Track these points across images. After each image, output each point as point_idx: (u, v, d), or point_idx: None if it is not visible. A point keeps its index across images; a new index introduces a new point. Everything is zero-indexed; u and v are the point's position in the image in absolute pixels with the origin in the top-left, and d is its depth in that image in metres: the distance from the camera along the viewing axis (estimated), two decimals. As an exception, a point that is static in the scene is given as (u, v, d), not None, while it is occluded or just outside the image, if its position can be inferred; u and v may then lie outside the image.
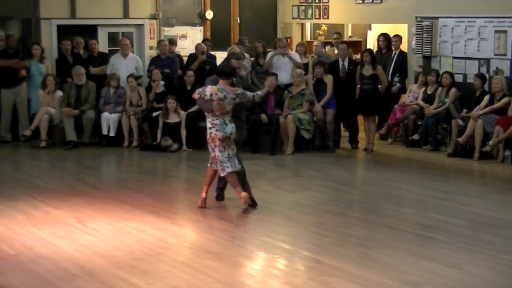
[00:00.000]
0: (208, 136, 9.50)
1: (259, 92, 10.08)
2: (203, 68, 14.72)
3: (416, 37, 14.84)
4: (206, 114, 9.58)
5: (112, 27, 16.24)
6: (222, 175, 9.56)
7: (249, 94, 9.74)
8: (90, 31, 15.91)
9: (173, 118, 13.62)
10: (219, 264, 7.55)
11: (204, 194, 9.65)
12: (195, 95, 9.61)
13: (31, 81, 14.72)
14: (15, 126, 14.73)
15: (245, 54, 15.24)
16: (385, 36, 15.38)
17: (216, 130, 9.40)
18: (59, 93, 14.27)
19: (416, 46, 14.85)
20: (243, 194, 9.46)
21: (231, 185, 9.61)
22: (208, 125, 9.48)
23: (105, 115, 14.16)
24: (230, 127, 9.45)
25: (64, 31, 15.57)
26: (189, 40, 16.56)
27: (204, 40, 16.01)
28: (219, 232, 8.66)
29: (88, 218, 9.16)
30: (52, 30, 15.47)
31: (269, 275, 7.28)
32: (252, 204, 9.61)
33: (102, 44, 15.74)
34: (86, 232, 8.62)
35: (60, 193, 10.51)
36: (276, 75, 13.97)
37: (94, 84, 14.53)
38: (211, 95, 9.37)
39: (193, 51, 15.38)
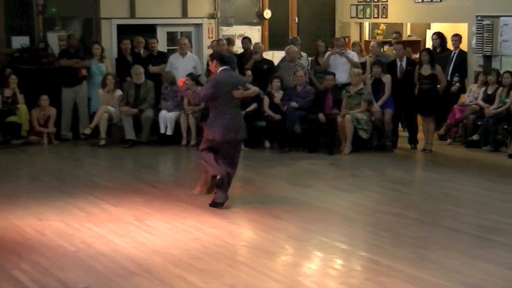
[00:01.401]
0: None
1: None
2: (260, 67, 14.72)
3: (476, 36, 14.66)
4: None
5: (170, 27, 16.40)
6: None
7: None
8: (149, 30, 16.06)
9: (230, 117, 13.64)
10: (276, 263, 7.57)
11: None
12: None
13: (91, 80, 14.93)
14: (76, 125, 14.95)
15: (301, 53, 15.23)
16: (438, 34, 15.22)
17: None
18: (119, 92, 14.44)
19: (476, 46, 14.67)
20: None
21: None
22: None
23: (163, 113, 14.28)
24: None
25: (124, 31, 15.75)
26: (247, 39, 16.60)
27: (244, 38, 15.95)
28: (276, 231, 8.67)
29: (146, 216, 9.25)
30: (112, 30, 15.68)
31: (326, 275, 7.26)
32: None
33: (161, 44, 15.86)
34: (144, 230, 8.70)
35: (119, 191, 10.64)
36: (334, 74, 13.95)
37: (153, 83, 14.65)
38: None
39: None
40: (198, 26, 16.54)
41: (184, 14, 16.33)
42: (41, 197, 10.22)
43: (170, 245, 8.11)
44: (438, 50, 15.02)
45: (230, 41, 15.79)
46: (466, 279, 7.02)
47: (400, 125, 14.58)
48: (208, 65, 10.71)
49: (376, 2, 17.08)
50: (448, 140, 14.46)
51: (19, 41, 14.97)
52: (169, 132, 14.26)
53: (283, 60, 15.02)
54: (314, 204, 9.95)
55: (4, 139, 14.04)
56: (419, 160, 13.45)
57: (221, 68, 9.74)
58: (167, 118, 14.24)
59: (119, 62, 15.31)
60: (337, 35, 17.16)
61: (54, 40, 15.26)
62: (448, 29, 16.17)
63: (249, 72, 14.12)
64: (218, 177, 9.57)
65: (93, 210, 9.58)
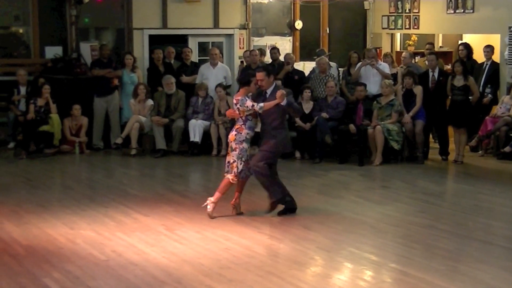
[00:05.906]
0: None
1: (261, 104, 9.67)
2: (291, 78, 14.72)
3: (509, 47, 14.56)
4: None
5: (202, 37, 16.47)
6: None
7: (248, 102, 9.66)
8: (180, 41, 16.14)
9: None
10: (306, 274, 7.56)
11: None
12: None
13: (123, 90, 15.04)
14: (107, 134, 15.05)
15: (330, 63, 15.20)
16: (465, 45, 15.15)
17: None
18: (150, 102, 14.51)
19: (509, 57, 14.57)
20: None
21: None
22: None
23: (192, 122, 14.32)
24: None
25: (156, 41, 15.84)
26: (278, 50, 16.61)
27: (272, 48, 15.92)
28: (306, 242, 8.66)
29: (177, 226, 9.28)
30: (144, 40, 15.79)
31: (356, 286, 7.23)
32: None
33: (192, 54, 15.93)
34: (174, 239, 8.73)
35: (150, 201, 10.69)
36: (365, 85, 13.92)
37: (184, 93, 14.72)
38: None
39: (282, 60, 15.40)
40: (230, 36, 16.61)
41: (216, 24, 16.40)
42: (73, 206, 10.30)
43: (200, 255, 8.13)
44: (464, 61, 14.93)
45: (261, 51, 15.81)
46: (497, 292, 6.97)
47: (431, 136, 14.50)
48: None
49: (407, 13, 17.03)
50: (480, 152, 14.36)
51: (53, 51, 15.16)
52: (197, 139, 14.27)
53: (313, 71, 15.02)
54: (344, 215, 9.93)
55: (36, 148, 14.17)
56: (451, 171, 13.37)
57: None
58: (196, 125, 14.27)
59: (150, 72, 15.40)
60: (369, 46, 17.13)
61: (86, 50, 15.44)
62: (480, 40, 16.07)
63: (279, 82, 14.13)
64: None
65: (124, 219, 9.62)
